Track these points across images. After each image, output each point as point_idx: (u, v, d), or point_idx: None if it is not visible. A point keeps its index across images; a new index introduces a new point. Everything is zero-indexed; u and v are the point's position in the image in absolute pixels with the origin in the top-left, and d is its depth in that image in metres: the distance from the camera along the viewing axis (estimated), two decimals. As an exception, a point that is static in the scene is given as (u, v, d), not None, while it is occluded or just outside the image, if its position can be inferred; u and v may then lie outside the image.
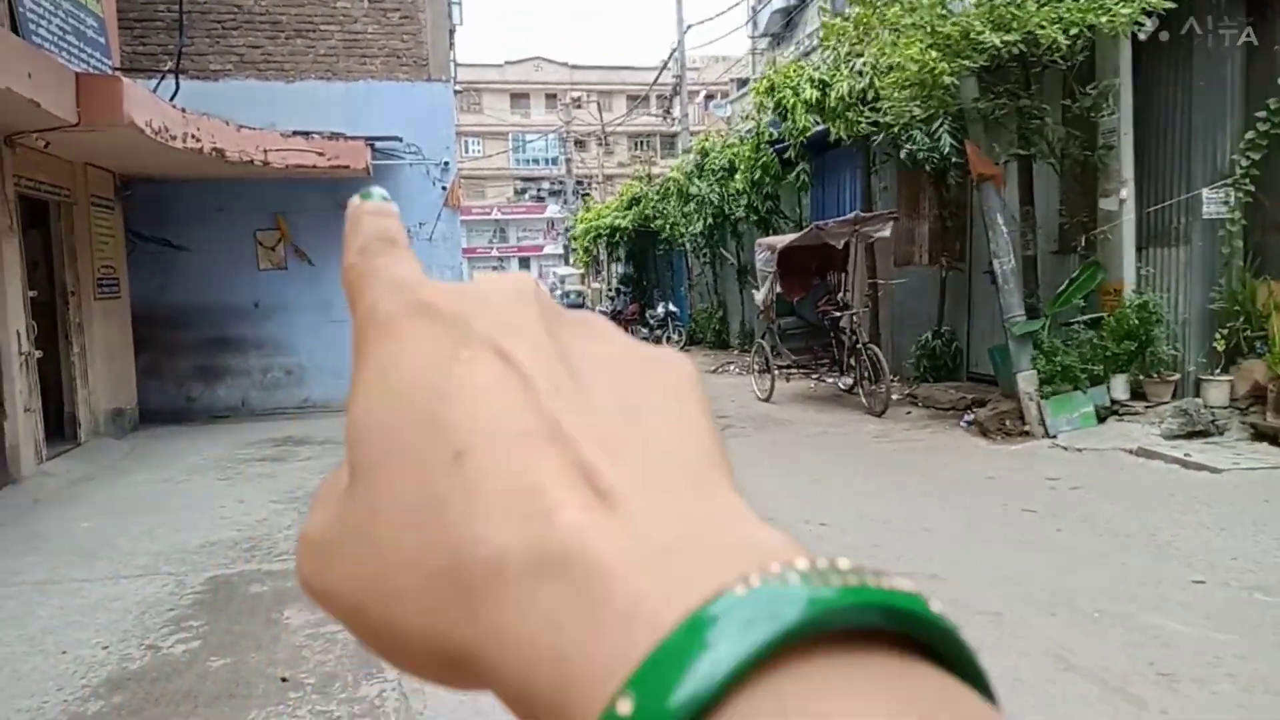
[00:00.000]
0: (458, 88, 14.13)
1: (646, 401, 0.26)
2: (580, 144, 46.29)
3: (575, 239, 29.92)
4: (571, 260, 36.77)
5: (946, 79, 7.49)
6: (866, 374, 9.59)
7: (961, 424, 8.32)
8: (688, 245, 18.18)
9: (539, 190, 54.92)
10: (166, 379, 11.04)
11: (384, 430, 0.25)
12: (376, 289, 0.28)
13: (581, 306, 32.51)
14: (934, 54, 7.30)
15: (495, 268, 51.09)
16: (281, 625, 4.32)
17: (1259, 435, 6.65)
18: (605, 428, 0.24)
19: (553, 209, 50.53)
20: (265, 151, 9.08)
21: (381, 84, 11.20)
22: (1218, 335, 7.15)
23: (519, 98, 54.11)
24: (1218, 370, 7.22)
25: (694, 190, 16.81)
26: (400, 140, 11.02)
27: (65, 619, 4.40)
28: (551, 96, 52.68)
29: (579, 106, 42.89)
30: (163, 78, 9.09)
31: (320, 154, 9.53)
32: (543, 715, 0.21)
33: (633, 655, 0.19)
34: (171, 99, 8.58)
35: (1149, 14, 6.72)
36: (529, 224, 55.76)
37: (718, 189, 15.78)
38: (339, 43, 11.13)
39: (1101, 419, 7.39)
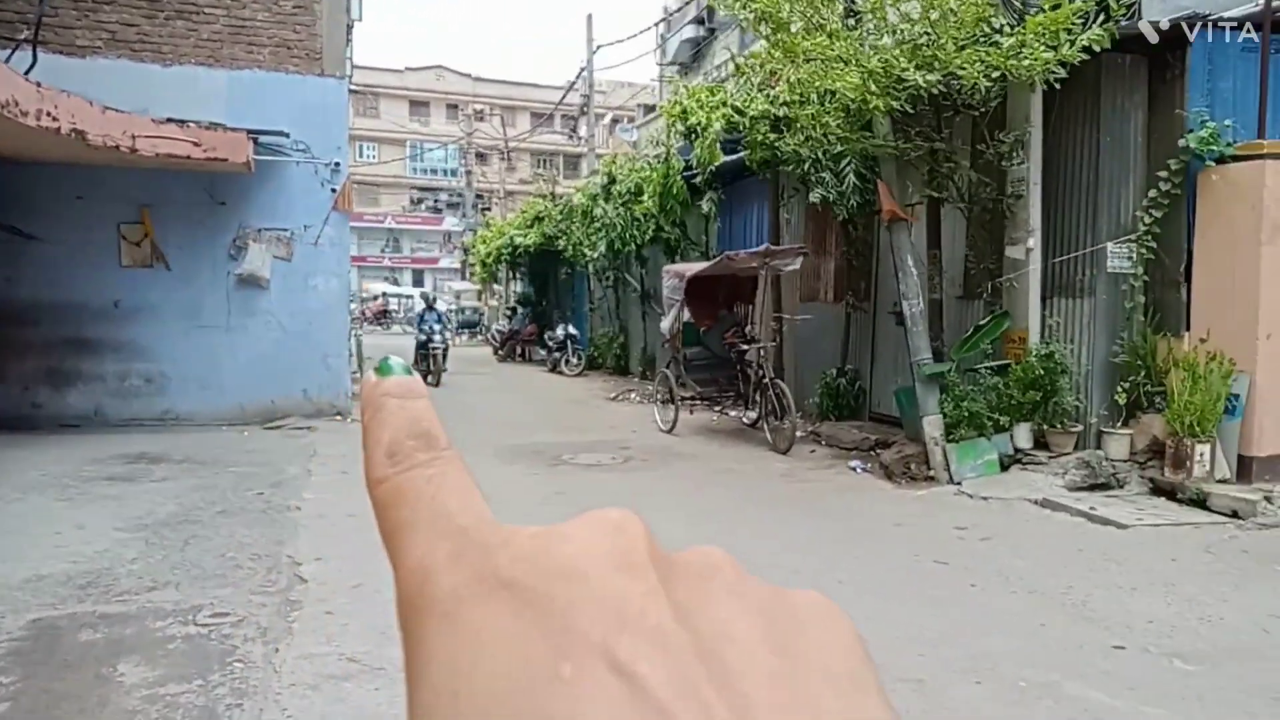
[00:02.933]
0: (353, 88, 13.41)
1: (818, 699, 0.21)
2: (481, 157, 45.47)
3: (476, 256, 29.13)
4: (469, 275, 35.89)
5: (879, 112, 7.41)
6: (771, 409, 9.41)
7: (855, 468, 8.19)
8: (590, 267, 17.83)
9: (436, 201, 53.72)
10: (10, 382, 9.92)
11: None
12: (427, 536, 0.22)
13: (478, 325, 31.81)
14: (872, 84, 7.20)
15: (387, 278, 49.51)
16: (113, 683, 3.67)
17: (1158, 490, 6.73)
18: None
19: (451, 221, 49.47)
20: (134, 137, 8.23)
21: (269, 75, 10.45)
22: (1119, 388, 7.24)
23: (419, 105, 52.93)
24: (1119, 423, 7.31)
25: (599, 212, 16.51)
26: (287, 136, 10.27)
27: None
28: (453, 107, 51.75)
29: (481, 119, 42.18)
30: (16, 47, 8.15)
31: (196, 144, 8.73)
32: None
33: None
34: (27, 72, 7.66)
35: (1063, 65, 6.79)
36: (425, 235, 54.42)
37: (623, 212, 15.51)
38: (224, 27, 10.32)
39: (1005, 467, 7.37)
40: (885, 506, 6.87)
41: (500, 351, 22.99)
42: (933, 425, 7.56)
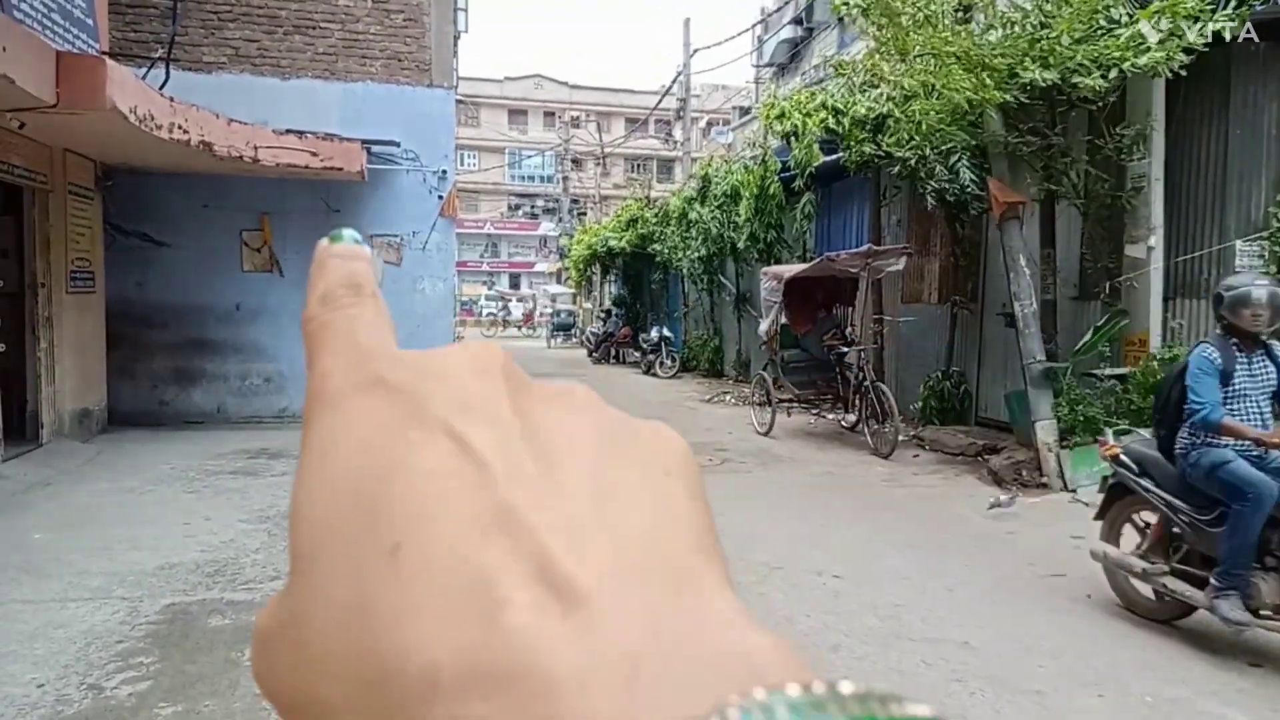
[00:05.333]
0: (458, 98, 13.79)
1: (625, 482, 0.23)
2: (577, 163, 46.14)
3: (571, 260, 29.53)
4: (564, 279, 36.44)
5: (991, 108, 7.20)
6: (872, 413, 9.23)
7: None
8: (685, 270, 17.85)
9: (533, 207, 54.74)
10: (139, 380, 10.53)
11: (321, 519, 0.23)
12: (331, 353, 0.26)
13: (572, 327, 32.26)
14: (987, 79, 7.01)
15: (485, 283, 50.70)
16: (241, 667, 3.87)
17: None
18: (572, 513, 0.21)
19: (546, 226, 50.31)
20: (256, 148, 8.65)
21: (381, 86, 10.83)
22: (1251, 393, 6.81)
23: (517, 114, 54.04)
24: (1251, 430, 6.88)
25: (694, 216, 16.52)
26: (398, 145, 10.63)
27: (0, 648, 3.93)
28: (550, 114, 52.67)
29: (577, 126, 42.81)
30: (152, 65, 8.68)
31: (314, 154, 9.12)
32: None
33: None
34: (161, 88, 8.16)
35: (1189, 53, 6.45)
36: (522, 240, 55.52)
37: (719, 215, 15.48)
38: (339, 41, 10.75)
39: (1123, 475, 7.03)
40: (996, 514, 6.64)
41: (595, 353, 23.25)
42: (1045, 430, 7.28)
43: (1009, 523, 6.34)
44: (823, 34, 20.98)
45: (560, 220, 40.16)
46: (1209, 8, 6.31)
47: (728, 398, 14.05)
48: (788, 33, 24.87)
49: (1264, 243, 6.97)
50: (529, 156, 50.85)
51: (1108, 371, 7.48)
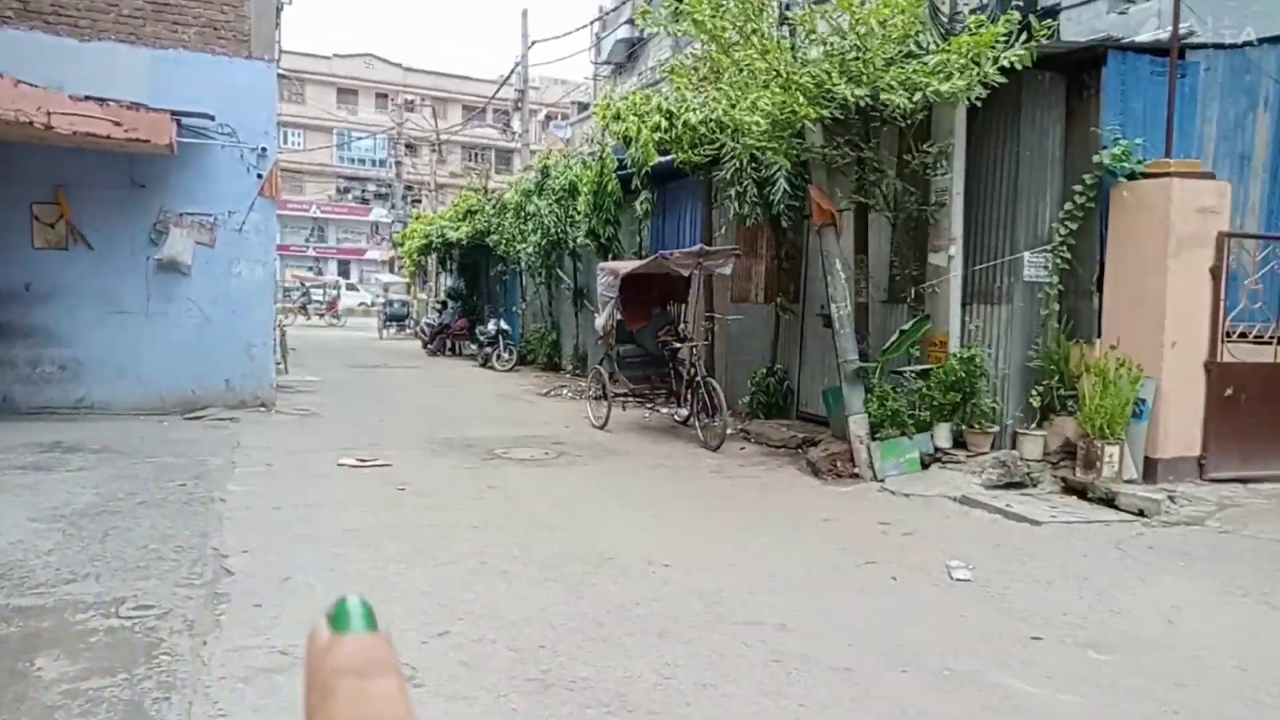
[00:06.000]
0: (281, 72, 13.07)
1: None
2: (411, 148, 44.73)
3: (404, 249, 28.60)
4: (397, 268, 35.27)
5: (809, 122, 7.57)
6: (703, 407, 9.54)
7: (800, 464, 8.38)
8: (523, 263, 17.74)
9: (364, 191, 52.62)
10: (-90, 367, 9.38)
11: None
12: None
13: (406, 318, 31.29)
14: (799, 97, 7.36)
15: (312, 268, 48.28)
16: (30, 679, 3.54)
17: (1069, 489, 7.06)
18: None
19: (378, 212, 48.52)
20: (49, 114, 7.88)
21: (194, 55, 10.12)
22: (1034, 392, 7.58)
23: (347, 93, 51.78)
24: (1033, 425, 7.65)
25: (532, 208, 16.45)
26: (212, 119, 9.97)
27: None
28: (383, 96, 50.80)
29: (412, 110, 41.52)
30: (-77, 14, 7.72)
31: (116, 123, 8.41)
32: None
33: None
34: (-67, 40, 7.28)
35: (986, 85, 7.06)
36: (351, 225, 53.26)
37: (557, 209, 15.50)
38: (146, 4, 9.95)
39: (925, 465, 7.63)
40: (812, 503, 7.05)
41: (430, 345, 22.69)
42: (858, 424, 7.78)
43: (825, 510, 6.73)
44: (659, 36, 21.36)
45: (394, 207, 38.84)
46: (1003, 41, 6.93)
47: (565, 391, 14.09)
48: (624, 32, 25.16)
49: (1048, 254, 7.74)
50: (360, 138, 48.83)
51: (912, 369, 8.08)
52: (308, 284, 40.75)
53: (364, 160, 51.71)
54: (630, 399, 10.86)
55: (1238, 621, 4.47)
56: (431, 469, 7.90)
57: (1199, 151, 7.74)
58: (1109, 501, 6.69)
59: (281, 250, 44.59)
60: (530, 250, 16.64)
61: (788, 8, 8.07)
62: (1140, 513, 6.43)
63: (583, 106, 32.62)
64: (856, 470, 7.74)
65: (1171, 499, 6.58)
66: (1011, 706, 3.49)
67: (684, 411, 10.34)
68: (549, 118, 40.01)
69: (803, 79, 7.33)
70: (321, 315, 36.58)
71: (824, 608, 4.59)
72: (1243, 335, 7.50)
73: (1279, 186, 8.16)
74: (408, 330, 29.95)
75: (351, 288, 44.28)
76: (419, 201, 40.16)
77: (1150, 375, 7.06)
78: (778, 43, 7.59)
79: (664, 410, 11.00)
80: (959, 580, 5.05)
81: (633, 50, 28.08)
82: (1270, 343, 7.58)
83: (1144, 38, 7.83)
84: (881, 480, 7.51)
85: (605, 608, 4.43)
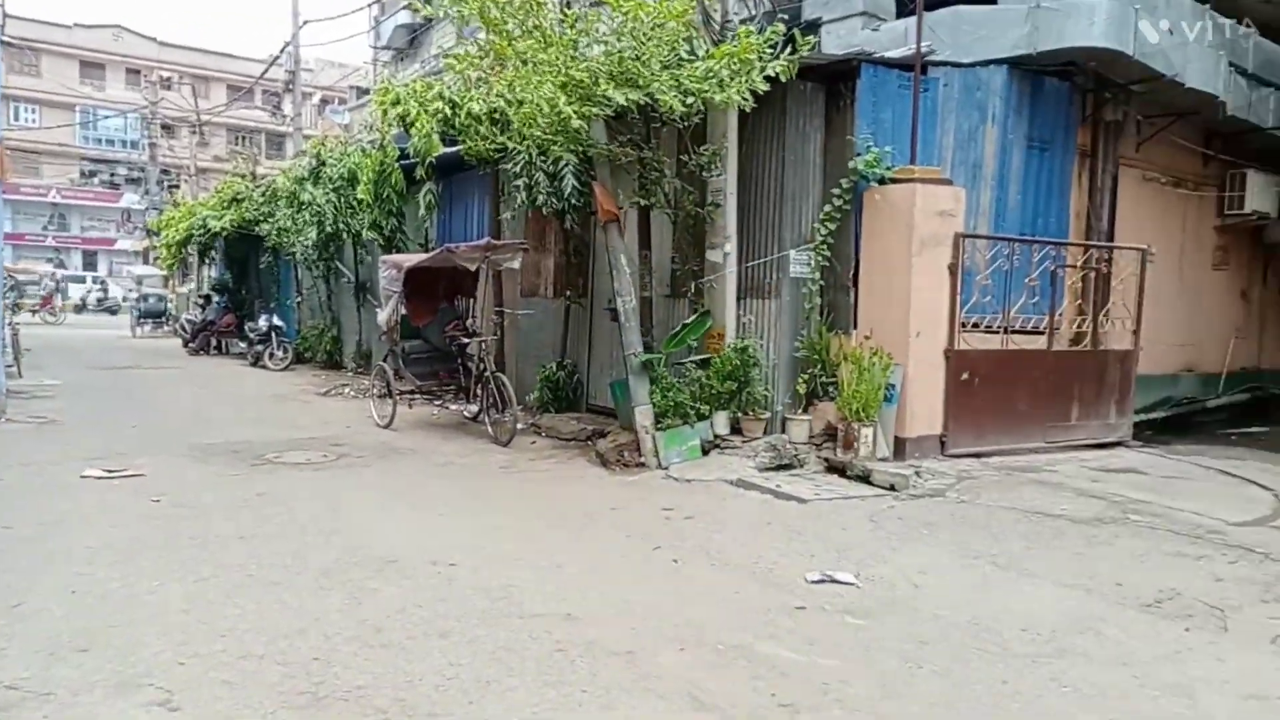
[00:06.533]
0: (6, 39, 11.59)
1: None
2: (169, 129, 41.08)
3: (162, 239, 26.13)
4: (154, 259, 32.20)
5: (575, 123, 7.67)
6: (493, 402, 9.46)
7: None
8: (298, 255, 16.76)
9: (113, 175, 47.64)
10: None
11: None
12: None
13: (164, 314, 28.65)
14: (564, 97, 7.44)
15: (51, 260, 43.09)
16: None
17: (831, 468, 7.65)
18: None
19: (130, 198, 44.11)
20: None
21: (-105, 13, 8.73)
22: (800, 379, 8.15)
23: (92, 67, 46.69)
24: (800, 410, 8.22)
25: (306, 197, 15.58)
26: (-80, 88, 8.65)
27: None
28: (135, 72, 46.25)
29: (168, 88, 38.08)
30: None
31: None
32: None
33: None
34: None
35: (753, 93, 7.47)
36: (98, 212, 48.07)
37: (335, 199, 14.78)
38: None
39: (705, 452, 7.99)
40: (601, 493, 7.18)
41: (192, 344, 20.93)
42: (644, 415, 8.01)
43: (612, 500, 6.88)
44: (442, 23, 20.88)
45: (147, 193, 35.42)
46: (769, 52, 7.37)
47: (347, 390, 13.49)
48: (405, 17, 24.40)
49: (811, 252, 8.32)
50: (107, 117, 44.14)
51: (693, 360, 8.44)
52: (14, 275, 35.79)
53: (113, 141, 46.82)
54: (417, 396, 10.58)
55: (972, 582, 5.02)
56: (192, 477, 7.31)
57: (939, 160, 8.59)
58: (865, 478, 7.31)
59: (13, 239, 39.53)
60: (307, 242, 15.75)
61: (568, 5, 8.14)
62: (891, 487, 7.07)
63: (362, 92, 31.28)
64: (643, 459, 7.97)
65: (918, 474, 7.29)
66: (778, 674, 3.73)
67: (473, 407, 10.20)
68: (325, 101, 37.99)
69: (575, 75, 7.42)
70: (34, 312, 31.15)
71: (610, 595, 4.69)
72: (975, 325, 8.42)
73: (1004, 193, 9.21)
74: (166, 328, 27.47)
75: (78, 279, 39.77)
76: (176, 187, 36.88)
77: (899, 362, 7.77)
78: (560, 38, 7.64)
79: (453, 407, 10.80)
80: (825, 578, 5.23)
81: (414, 36, 27.21)
82: (998, 332, 8.56)
83: (893, 54, 8.57)
84: (666, 468, 7.78)
85: (386, 612, 4.30)
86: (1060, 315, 9.06)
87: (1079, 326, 9.43)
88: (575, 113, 7.44)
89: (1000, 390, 8.40)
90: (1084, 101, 9.74)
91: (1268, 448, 9.97)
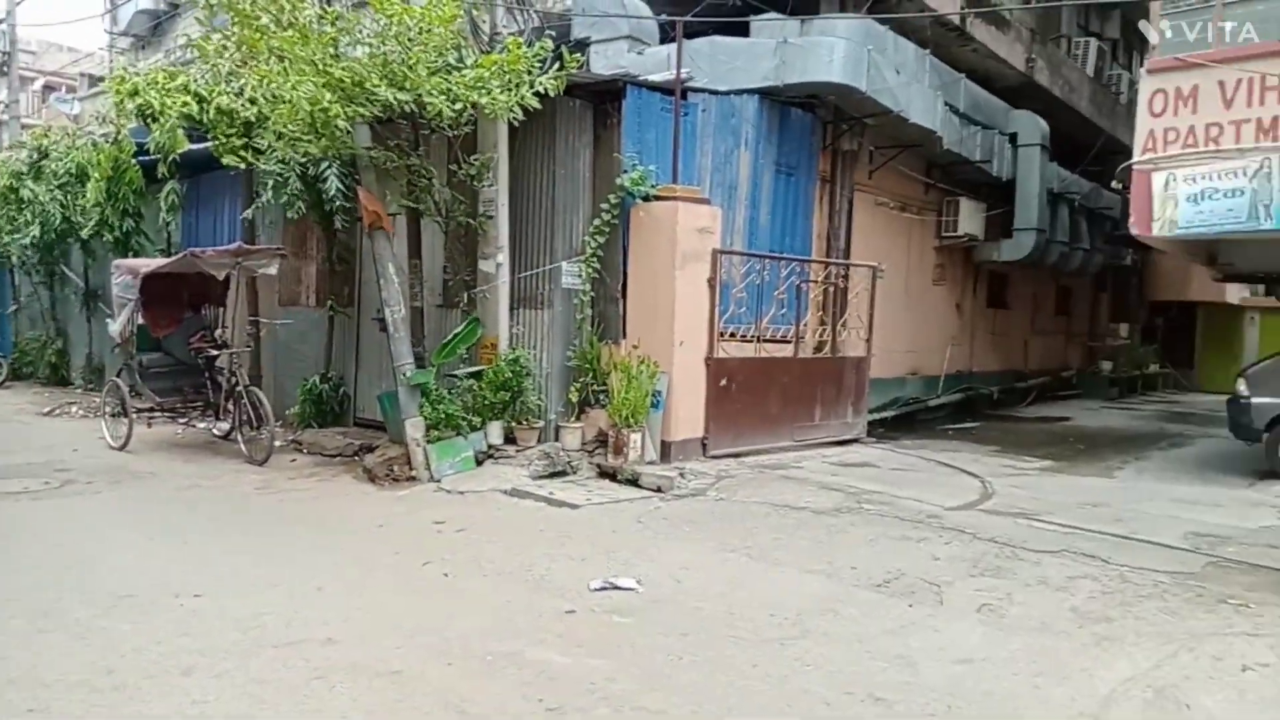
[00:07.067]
0: None
1: None
2: None
3: None
4: None
5: (340, 123, 7.40)
6: (247, 419, 8.85)
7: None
8: (14, 258, 14.84)
9: None
10: None
11: None
12: None
13: None
14: (329, 95, 7.17)
15: None
16: None
17: (603, 473, 7.87)
18: None
19: None
20: None
21: None
22: (573, 388, 8.32)
23: None
24: (573, 418, 8.38)
25: (26, 194, 13.85)
26: None
27: None
28: None
29: None
30: None
31: None
32: None
33: None
34: None
35: (523, 106, 7.55)
36: None
37: (60, 196, 13.25)
38: None
39: (480, 463, 7.95)
40: (368, 510, 6.94)
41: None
42: (414, 427, 7.84)
43: (380, 516, 6.67)
44: (190, 9, 19.33)
45: None
46: (538, 67, 7.48)
47: (74, 409, 12.09)
48: (148, 2, 22.37)
49: (582, 264, 8.51)
50: None
51: (465, 371, 8.37)
52: None
53: None
54: (158, 414, 9.67)
55: (728, 575, 5.35)
56: (-126, 515, 6.28)
57: (699, 180, 9.09)
58: (634, 482, 7.59)
59: None
60: (25, 243, 13.98)
61: (328, 2, 7.84)
62: (659, 489, 7.39)
63: (96, 80, 28.23)
64: (414, 473, 7.78)
65: (682, 475, 7.67)
66: (546, 679, 3.79)
67: (224, 425, 9.50)
68: (49, 88, 33.86)
69: (339, 74, 7.17)
70: None
71: (376, 615, 4.56)
72: (733, 335, 8.97)
73: (757, 212, 9.89)
74: None
75: None
76: None
77: (664, 370, 8.14)
78: (320, 35, 7.33)
79: (200, 425, 9.98)
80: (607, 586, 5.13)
81: (158, 23, 24.91)
82: (752, 341, 9.17)
83: (656, 77, 8.97)
84: (438, 481, 7.65)
85: (118, 652, 3.92)
86: (805, 325, 9.87)
87: (821, 335, 10.32)
88: (340, 113, 7.16)
89: (755, 395, 9.01)
90: (825, 132, 10.68)
91: (977, 440, 11.40)
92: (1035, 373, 17.17)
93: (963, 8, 11.73)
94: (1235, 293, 19.20)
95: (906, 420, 12.50)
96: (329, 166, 8.64)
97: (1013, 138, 13.50)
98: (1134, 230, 8.68)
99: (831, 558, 5.64)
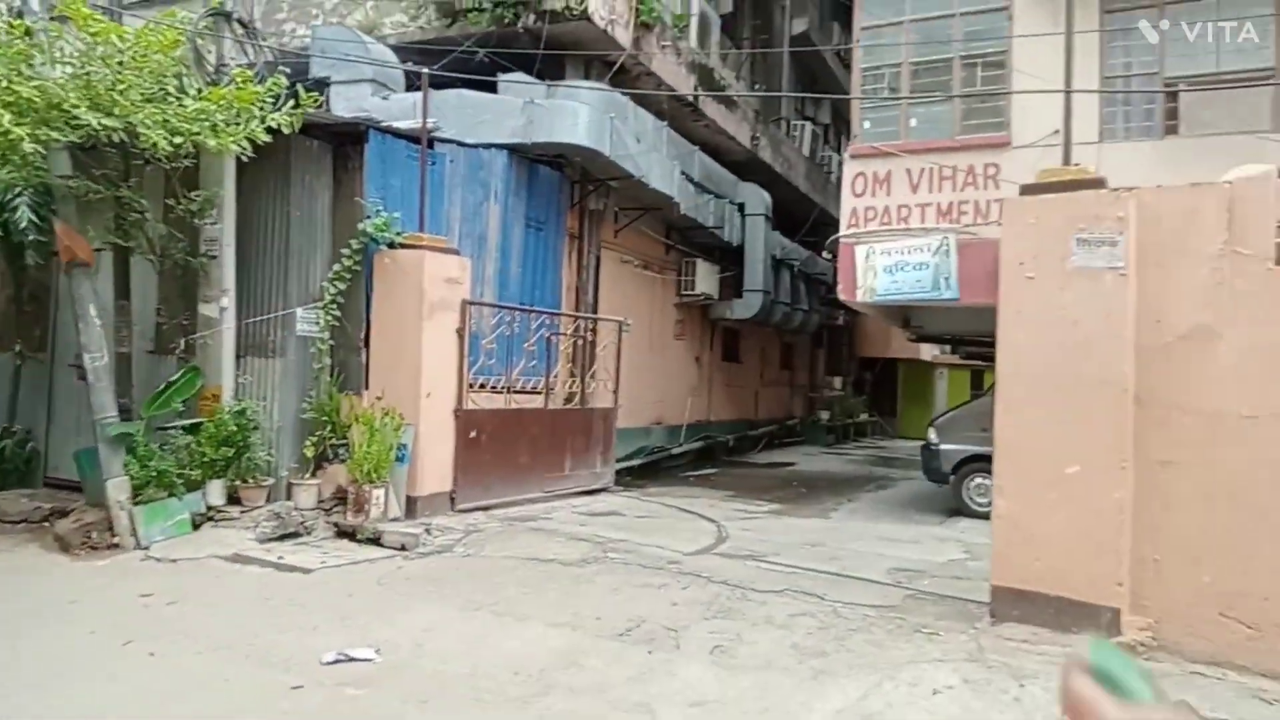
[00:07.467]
0: None
1: None
2: None
3: None
4: None
5: (27, 147, 6.56)
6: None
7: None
8: None
9: None
10: None
11: None
12: None
13: None
14: (8, 115, 6.36)
15: None
16: None
17: (341, 533, 7.41)
18: None
19: None
20: None
21: None
22: (308, 442, 7.81)
23: None
24: (308, 474, 7.85)
25: None
26: None
27: None
28: None
29: None
30: None
31: None
32: None
33: None
34: None
35: (252, 142, 7.12)
36: None
37: None
38: None
39: (197, 526, 7.22)
40: (58, 583, 6.07)
41: None
42: (118, 488, 6.99)
43: (73, 591, 5.86)
44: None
45: None
46: (269, 103, 7.11)
47: None
48: None
49: (320, 311, 8.10)
50: None
51: (180, 424, 7.62)
52: None
53: None
54: None
55: (473, 633, 5.23)
56: None
57: (447, 230, 9.00)
58: (376, 540, 7.23)
59: None
60: None
61: (19, 15, 6.99)
62: (403, 547, 7.09)
63: None
64: (117, 540, 6.93)
65: (429, 531, 7.42)
66: (269, 762, 3.49)
67: None
68: None
69: (27, 94, 6.39)
70: None
71: (62, 708, 3.98)
72: (483, 386, 8.90)
73: (507, 264, 9.95)
74: None
75: None
76: None
77: (410, 422, 7.89)
78: (8, 49, 6.49)
79: None
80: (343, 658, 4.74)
81: None
82: (503, 392, 9.15)
83: (402, 124, 8.83)
84: (147, 548, 6.86)
85: None
86: (555, 377, 10.01)
87: (570, 387, 10.51)
88: (28, 135, 6.34)
89: (504, 446, 8.96)
90: (573, 190, 11.03)
91: (714, 486, 12.07)
92: (765, 421, 18.57)
93: (695, 87, 12.66)
94: (928, 351, 21.94)
95: (651, 468, 12.98)
96: (19, 195, 7.62)
97: (741, 207, 14.71)
98: (842, 295, 9.73)
99: (577, 609, 5.69)
